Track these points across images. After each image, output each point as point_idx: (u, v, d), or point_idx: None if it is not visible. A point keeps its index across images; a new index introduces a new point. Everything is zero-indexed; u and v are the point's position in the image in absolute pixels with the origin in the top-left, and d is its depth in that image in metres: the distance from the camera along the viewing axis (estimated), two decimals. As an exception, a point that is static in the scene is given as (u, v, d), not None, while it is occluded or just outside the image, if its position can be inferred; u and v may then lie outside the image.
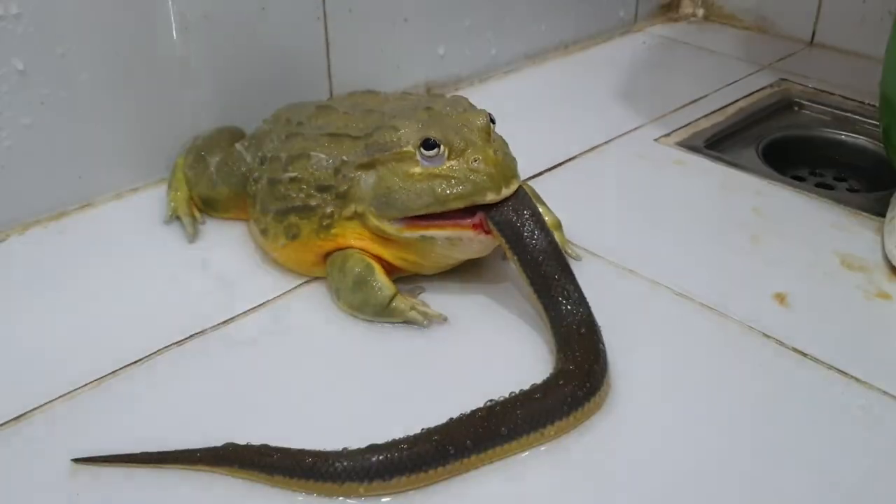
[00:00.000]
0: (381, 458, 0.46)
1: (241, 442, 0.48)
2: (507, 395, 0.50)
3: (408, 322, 0.58)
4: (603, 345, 0.53)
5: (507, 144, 0.61)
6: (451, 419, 0.48)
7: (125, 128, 0.72)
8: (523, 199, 0.56)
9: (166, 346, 0.57)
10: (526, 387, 0.50)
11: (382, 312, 0.58)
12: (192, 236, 0.68)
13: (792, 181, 0.79)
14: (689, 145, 0.84)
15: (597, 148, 0.83)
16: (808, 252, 0.67)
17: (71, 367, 0.55)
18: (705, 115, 0.90)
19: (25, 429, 0.50)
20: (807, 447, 0.49)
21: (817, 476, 0.48)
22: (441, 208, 0.56)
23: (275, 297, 0.62)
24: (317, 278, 0.63)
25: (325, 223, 0.60)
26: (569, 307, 0.53)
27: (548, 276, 0.54)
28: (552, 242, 0.55)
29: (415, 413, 0.49)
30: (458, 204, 0.55)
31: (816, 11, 1.07)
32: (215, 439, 0.48)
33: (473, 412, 0.48)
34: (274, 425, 0.50)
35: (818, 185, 0.86)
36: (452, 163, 0.56)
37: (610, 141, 0.85)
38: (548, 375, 0.51)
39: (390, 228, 0.58)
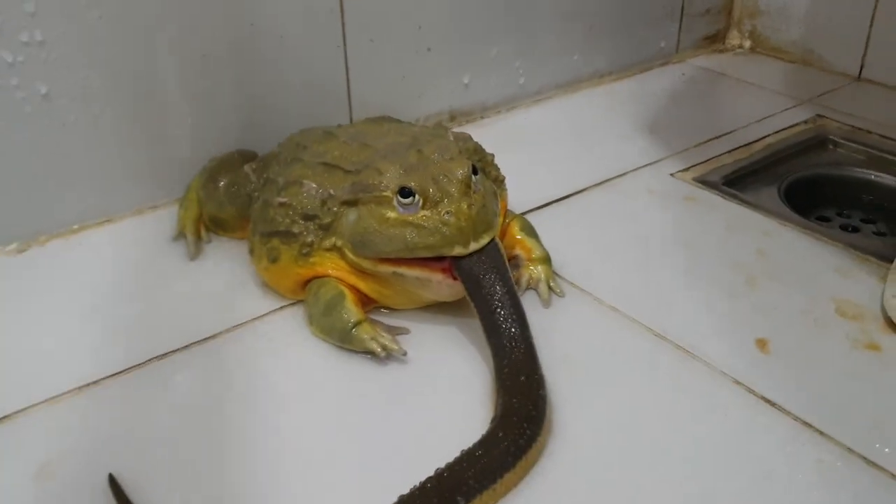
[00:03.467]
0: None
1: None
2: (451, 459, 0.48)
3: (368, 352, 0.59)
4: (544, 392, 0.53)
5: (497, 192, 0.62)
6: (403, 496, 0.47)
7: (146, 149, 0.76)
8: (490, 252, 0.57)
9: (148, 360, 0.60)
10: (470, 433, 0.50)
11: (345, 338, 0.59)
12: (194, 255, 0.71)
13: (805, 222, 0.77)
14: (705, 181, 0.83)
15: (610, 181, 0.83)
16: (803, 297, 0.66)
17: (54, 376, 0.58)
18: (729, 151, 0.89)
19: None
20: (758, 498, 0.49)
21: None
22: (410, 255, 0.57)
23: (256, 318, 0.64)
24: (298, 302, 0.65)
25: (304, 251, 0.62)
26: (514, 355, 0.54)
27: (499, 325, 0.55)
28: (510, 294, 0.56)
29: (361, 459, 0.51)
30: (425, 253, 0.57)
31: (865, 45, 1.04)
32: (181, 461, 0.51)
33: (424, 484, 0.47)
34: (222, 450, 0.52)
35: (843, 227, 0.84)
36: (426, 212, 0.57)
37: (625, 174, 0.84)
38: (486, 429, 0.51)
39: (366, 262, 0.60)
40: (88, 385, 0.58)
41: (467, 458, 0.49)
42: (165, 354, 0.60)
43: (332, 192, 0.62)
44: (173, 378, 0.58)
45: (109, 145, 0.73)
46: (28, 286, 0.68)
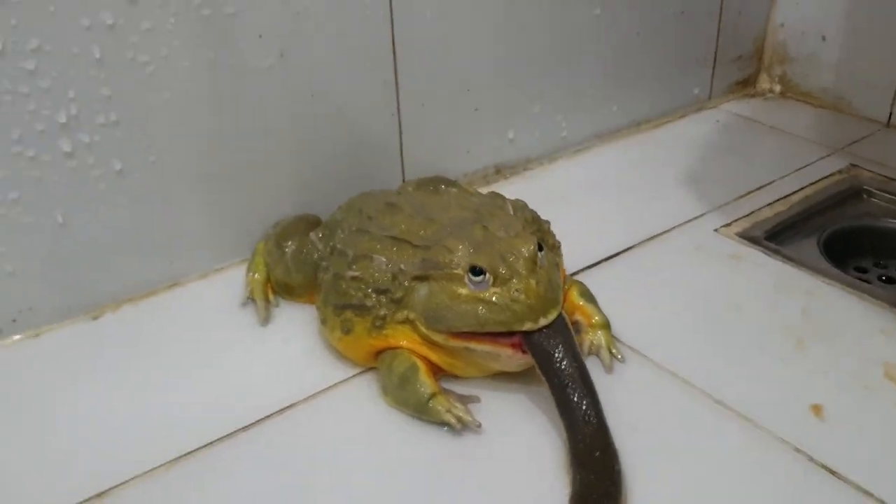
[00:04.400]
0: None
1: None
2: None
3: (443, 424, 0.62)
4: (619, 466, 0.56)
5: (558, 262, 0.64)
6: None
7: (211, 214, 0.79)
8: (559, 327, 0.60)
9: (228, 434, 0.62)
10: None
11: (421, 410, 0.62)
12: (265, 320, 0.74)
13: (848, 278, 0.80)
14: (748, 236, 0.86)
15: (657, 237, 0.86)
16: (851, 360, 0.68)
17: (140, 448, 0.61)
18: (769, 204, 0.91)
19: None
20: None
21: None
22: (481, 329, 0.60)
23: (331, 386, 0.67)
24: (371, 369, 0.68)
25: (377, 323, 0.65)
26: (587, 430, 0.57)
27: (571, 399, 0.58)
28: (580, 368, 0.59)
29: None
30: (496, 328, 0.60)
31: (894, 92, 1.07)
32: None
33: None
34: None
35: (881, 278, 0.87)
36: (497, 289, 0.60)
37: (671, 230, 0.87)
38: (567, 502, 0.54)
39: (438, 337, 0.62)
40: (180, 457, 0.61)
41: None
42: (247, 427, 0.63)
43: (402, 266, 0.64)
44: (255, 449, 0.61)
45: (176, 214, 0.77)
46: (108, 352, 0.71)
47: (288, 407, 0.65)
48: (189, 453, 0.61)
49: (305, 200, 0.83)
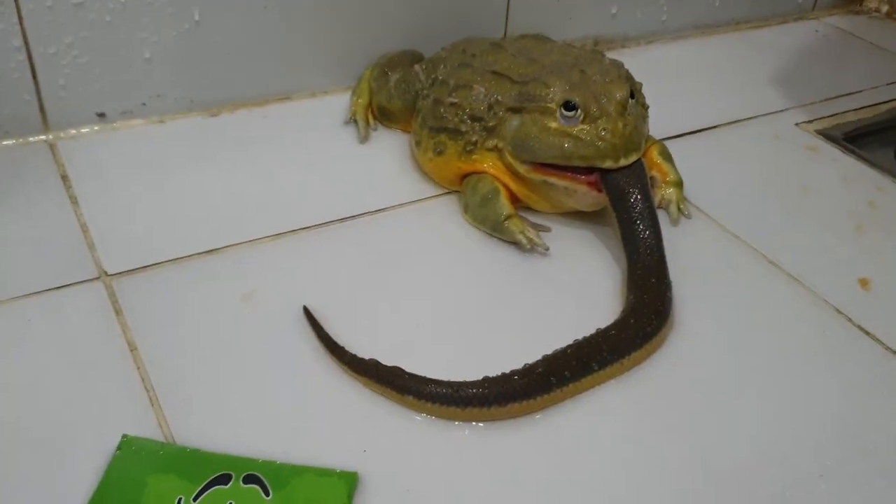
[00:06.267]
0: (499, 388, 0.53)
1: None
2: (586, 334, 0.58)
3: (515, 243, 0.68)
4: (671, 292, 0.62)
5: (645, 117, 0.69)
6: (547, 355, 0.56)
7: (326, 40, 0.85)
8: (636, 171, 0.65)
9: (325, 223, 0.70)
10: (600, 319, 0.60)
11: (497, 228, 0.68)
12: (364, 139, 0.81)
13: (917, 183, 0.83)
14: (827, 135, 0.89)
15: (739, 122, 0.90)
16: (906, 248, 0.73)
17: (247, 222, 0.69)
18: (854, 110, 0.94)
19: (213, 262, 0.65)
20: (843, 409, 0.57)
21: (847, 439, 0.55)
22: (564, 162, 0.65)
23: (417, 200, 0.74)
24: (452, 192, 0.74)
25: (468, 148, 0.70)
26: (647, 259, 0.63)
27: (637, 232, 0.64)
28: (650, 209, 0.64)
29: (509, 324, 0.61)
30: (578, 163, 0.65)
31: None
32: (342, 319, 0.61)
33: (565, 349, 0.57)
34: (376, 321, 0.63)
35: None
36: (585, 126, 0.65)
37: (753, 118, 0.91)
38: (619, 315, 0.60)
39: (521, 168, 0.68)
40: (281, 234, 0.68)
41: (602, 335, 0.58)
42: (344, 219, 0.71)
43: (499, 98, 0.70)
44: (350, 237, 0.69)
45: (296, 34, 0.83)
46: (224, 145, 0.79)
47: (379, 210, 0.72)
48: (290, 231, 0.69)
49: (410, 44, 0.88)
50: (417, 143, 0.75)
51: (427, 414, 0.54)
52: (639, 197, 0.65)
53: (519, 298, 0.65)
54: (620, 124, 0.65)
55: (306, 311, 0.60)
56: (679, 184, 0.74)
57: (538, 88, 0.67)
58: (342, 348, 0.57)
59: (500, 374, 0.55)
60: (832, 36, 1.13)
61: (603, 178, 0.66)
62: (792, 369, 0.60)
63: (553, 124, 0.66)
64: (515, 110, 0.69)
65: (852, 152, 0.86)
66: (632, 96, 0.66)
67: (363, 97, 0.84)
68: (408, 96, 0.80)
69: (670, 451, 0.53)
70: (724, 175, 0.81)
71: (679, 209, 0.73)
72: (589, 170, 0.66)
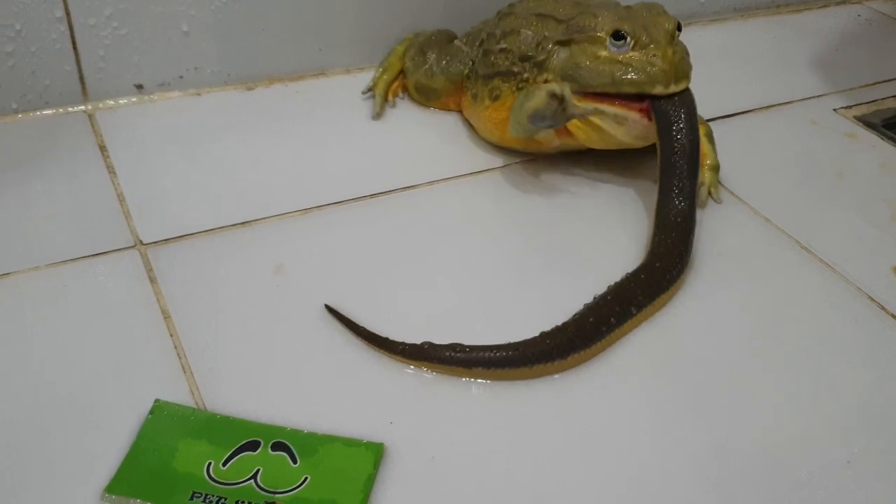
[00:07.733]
0: (559, 340, 0.55)
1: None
2: (617, 280, 0.60)
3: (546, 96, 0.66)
4: (693, 237, 0.63)
5: (688, 53, 0.69)
6: (589, 303, 0.59)
7: (362, 17, 0.85)
8: (686, 100, 0.65)
9: (355, 198, 0.70)
10: (626, 256, 0.63)
11: (529, 95, 0.68)
12: (377, 116, 0.81)
13: (957, 173, 0.82)
14: (866, 121, 0.88)
15: (776, 106, 0.89)
16: (942, 238, 0.72)
17: (284, 195, 0.70)
18: (894, 96, 0.92)
19: (246, 234, 0.66)
20: (873, 401, 0.56)
21: (876, 427, 0.55)
22: (615, 90, 0.66)
23: (448, 178, 0.74)
24: (487, 171, 0.75)
25: (521, 86, 0.71)
26: (677, 200, 0.64)
27: (674, 166, 0.64)
28: (693, 142, 0.65)
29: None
30: (629, 89, 0.65)
31: None
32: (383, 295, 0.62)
33: (605, 295, 0.59)
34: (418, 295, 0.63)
35: None
36: (634, 54, 0.65)
37: (791, 102, 0.90)
38: (644, 258, 0.62)
39: (572, 98, 0.68)
40: (313, 208, 0.69)
41: (634, 278, 0.60)
42: (376, 195, 0.71)
43: (546, 34, 0.70)
44: (383, 212, 0.69)
45: (333, 9, 0.83)
46: (258, 119, 0.80)
47: (410, 187, 0.72)
48: (322, 206, 0.69)
49: (447, 22, 0.88)
50: (474, 97, 0.76)
51: (493, 380, 0.55)
52: (684, 128, 0.65)
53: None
54: (670, 51, 0.65)
55: (338, 314, 0.58)
56: (716, 168, 0.74)
57: (586, 20, 0.68)
58: (390, 340, 0.56)
59: (553, 327, 0.56)
60: (875, 20, 1.11)
61: (653, 104, 0.66)
62: (822, 355, 0.59)
63: (603, 52, 0.66)
64: (564, 43, 0.69)
65: (891, 139, 0.85)
66: (679, 28, 0.67)
67: (389, 73, 0.84)
68: (452, 70, 0.80)
69: (696, 435, 0.53)
70: (760, 159, 0.80)
71: (710, 193, 0.73)
72: (639, 97, 0.66)
